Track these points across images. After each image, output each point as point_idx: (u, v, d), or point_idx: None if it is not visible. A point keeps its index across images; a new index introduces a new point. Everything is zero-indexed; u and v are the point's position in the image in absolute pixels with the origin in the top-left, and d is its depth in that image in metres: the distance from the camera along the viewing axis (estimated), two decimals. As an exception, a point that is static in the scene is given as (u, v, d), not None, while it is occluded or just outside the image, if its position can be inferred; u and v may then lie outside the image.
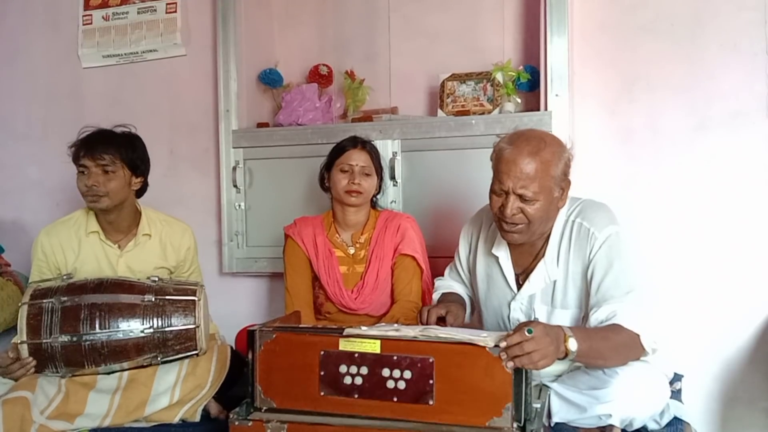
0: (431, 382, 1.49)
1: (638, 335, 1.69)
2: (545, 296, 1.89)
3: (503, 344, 1.46)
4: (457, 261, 2.13)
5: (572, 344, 1.55)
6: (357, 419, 1.54)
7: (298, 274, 2.35)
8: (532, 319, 1.89)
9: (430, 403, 1.49)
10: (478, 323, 2.09)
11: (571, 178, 1.83)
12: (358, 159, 2.28)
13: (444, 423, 1.49)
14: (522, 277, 1.92)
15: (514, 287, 1.93)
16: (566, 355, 1.55)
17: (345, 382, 1.55)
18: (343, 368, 1.55)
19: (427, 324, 1.80)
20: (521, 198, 1.75)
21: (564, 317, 1.87)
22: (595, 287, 1.78)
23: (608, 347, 1.65)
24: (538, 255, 1.89)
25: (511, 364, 1.45)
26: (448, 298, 2.06)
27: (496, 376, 1.45)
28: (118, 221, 2.23)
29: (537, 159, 1.73)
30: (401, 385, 1.51)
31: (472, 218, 2.12)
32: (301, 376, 1.58)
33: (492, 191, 1.82)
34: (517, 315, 1.92)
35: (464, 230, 2.11)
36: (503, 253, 1.94)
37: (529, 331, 1.47)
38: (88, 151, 2.13)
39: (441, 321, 1.84)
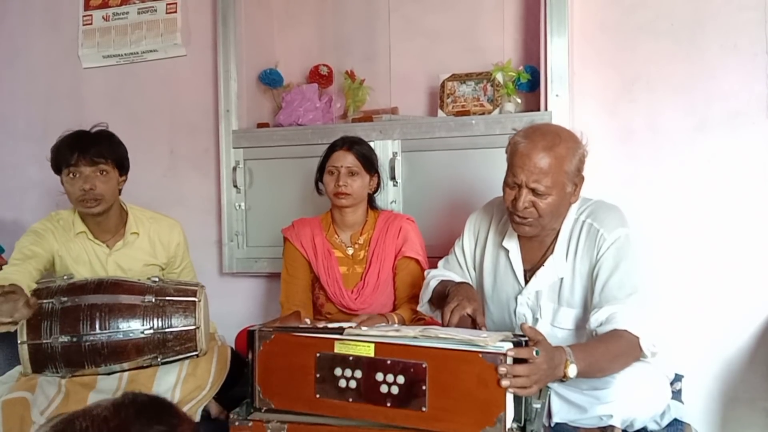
0: (424, 387, 1.47)
1: (638, 338, 1.68)
2: (552, 293, 1.88)
3: (511, 353, 1.43)
4: (458, 251, 2.09)
5: (572, 371, 1.52)
6: (357, 421, 1.53)
7: (294, 279, 2.35)
8: (538, 316, 1.89)
9: (423, 409, 1.47)
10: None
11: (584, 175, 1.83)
12: (343, 160, 2.26)
13: (437, 431, 1.46)
14: (530, 273, 1.92)
15: (522, 281, 1.92)
16: (563, 378, 1.53)
17: (340, 385, 1.53)
18: (338, 371, 1.54)
19: (447, 325, 1.76)
20: (534, 192, 1.75)
21: (569, 316, 1.86)
22: (599, 288, 1.78)
23: (607, 360, 1.64)
24: (547, 252, 1.89)
25: (506, 383, 1.40)
26: (459, 286, 1.92)
27: (490, 385, 1.42)
28: (107, 222, 2.23)
29: (551, 154, 1.73)
30: (394, 389, 1.49)
31: (480, 210, 2.09)
32: (298, 378, 1.57)
33: (505, 184, 1.81)
34: (524, 310, 1.91)
35: (471, 221, 2.08)
36: (513, 247, 1.93)
37: (537, 353, 1.44)
38: (83, 153, 2.10)
39: (473, 322, 1.78)
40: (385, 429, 1.51)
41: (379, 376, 1.50)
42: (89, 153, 2.11)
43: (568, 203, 1.83)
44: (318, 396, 1.56)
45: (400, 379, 1.49)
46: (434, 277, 2.07)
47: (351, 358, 1.53)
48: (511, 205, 1.79)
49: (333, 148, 2.31)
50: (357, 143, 2.31)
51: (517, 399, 1.47)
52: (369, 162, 2.31)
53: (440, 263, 2.15)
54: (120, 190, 2.26)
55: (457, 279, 2.04)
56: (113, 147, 2.19)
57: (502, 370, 1.41)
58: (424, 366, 1.48)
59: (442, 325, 1.77)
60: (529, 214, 1.77)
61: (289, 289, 2.35)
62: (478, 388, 1.43)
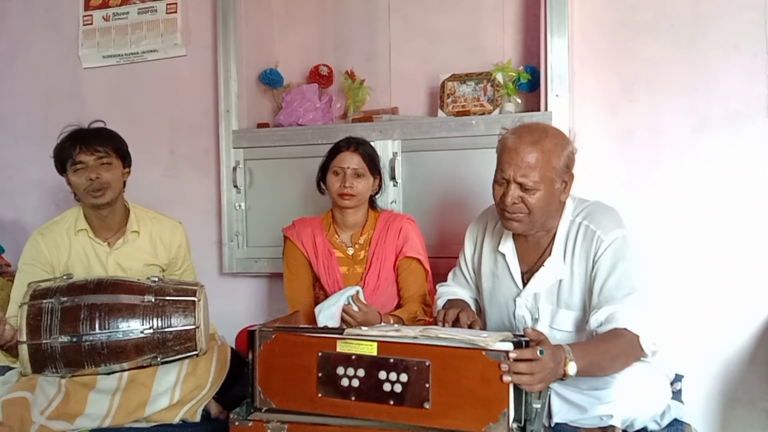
0: (427, 385, 1.48)
1: (637, 337, 1.69)
2: (550, 295, 1.89)
3: (513, 355, 1.44)
4: (462, 263, 2.12)
5: (571, 368, 1.53)
6: (357, 420, 1.54)
7: (297, 277, 2.35)
8: (536, 317, 1.90)
9: (426, 407, 1.48)
10: (482, 324, 2.08)
11: (574, 173, 1.84)
12: (349, 161, 2.26)
13: (440, 428, 1.48)
14: (527, 275, 1.93)
15: (520, 284, 1.93)
16: (563, 376, 1.54)
17: (342, 384, 1.54)
18: (340, 370, 1.55)
19: (444, 325, 1.78)
20: (522, 187, 1.76)
21: (568, 318, 1.87)
22: (597, 289, 1.78)
23: (608, 359, 1.65)
24: (544, 253, 1.90)
25: (508, 378, 1.43)
26: (455, 303, 2.02)
27: (493, 382, 1.44)
28: (111, 218, 2.24)
29: (538, 148, 1.75)
30: (397, 388, 1.50)
31: (476, 219, 2.12)
32: (300, 377, 1.58)
33: (495, 181, 1.83)
34: (522, 312, 1.92)
35: (469, 231, 2.11)
36: (509, 250, 1.94)
37: (541, 352, 1.46)
38: (85, 145, 2.14)
39: (456, 322, 1.82)
40: (386, 429, 1.52)
41: (382, 375, 1.51)
42: (90, 143, 2.14)
43: (558, 201, 1.84)
44: (320, 395, 1.56)
45: (403, 378, 1.50)
46: (441, 296, 2.11)
47: (353, 356, 1.54)
48: (500, 201, 1.81)
49: (338, 148, 2.30)
50: (362, 144, 2.32)
51: (518, 399, 1.48)
52: (374, 163, 2.32)
53: (449, 275, 2.18)
54: (124, 184, 2.28)
55: (464, 296, 2.09)
56: (113, 138, 2.22)
57: (504, 367, 1.42)
58: (427, 364, 1.48)
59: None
60: (518, 209, 1.78)
61: (293, 286, 2.36)
62: (482, 385, 1.45)
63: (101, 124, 2.26)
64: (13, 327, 1.93)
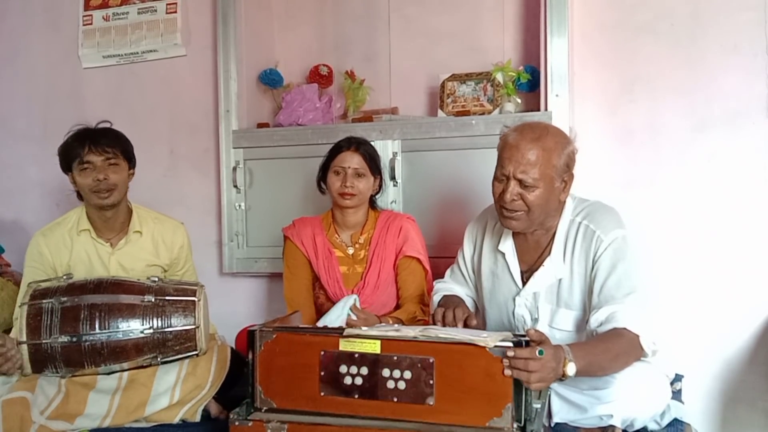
0: (431, 382, 1.50)
1: (637, 336, 1.69)
2: (550, 295, 1.89)
3: (510, 353, 1.45)
4: (461, 261, 2.12)
5: (570, 369, 1.53)
6: (357, 419, 1.54)
7: (296, 277, 2.35)
8: (536, 317, 1.90)
9: (430, 403, 1.50)
10: (481, 323, 2.08)
11: (574, 173, 1.84)
12: (350, 161, 2.27)
13: (444, 423, 1.49)
14: (527, 274, 1.93)
15: (520, 283, 1.93)
16: (563, 377, 1.54)
17: (345, 382, 1.55)
18: (343, 368, 1.55)
19: (444, 325, 1.79)
20: (521, 183, 1.76)
21: (568, 318, 1.87)
22: (597, 289, 1.78)
23: (607, 359, 1.65)
24: (544, 253, 1.90)
25: (509, 372, 1.45)
26: (450, 299, 2.03)
27: (496, 377, 1.46)
28: (115, 218, 2.24)
29: (539, 145, 1.75)
30: (401, 385, 1.51)
31: (476, 218, 2.12)
32: (302, 377, 1.58)
33: (494, 178, 1.84)
34: (522, 311, 1.92)
35: (468, 230, 2.11)
36: (509, 249, 1.94)
37: (540, 352, 1.46)
38: (94, 145, 2.14)
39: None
40: (388, 429, 1.52)
41: (386, 372, 1.52)
42: (100, 144, 2.14)
43: (557, 200, 1.84)
44: (322, 394, 1.57)
45: (407, 375, 1.51)
46: (438, 292, 2.12)
47: (356, 355, 1.55)
48: (499, 197, 1.81)
49: (339, 148, 2.30)
50: (363, 144, 2.32)
51: (518, 399, 1.48)
52: (374, 163, 2.32)
53: (447, 273, 2.18)
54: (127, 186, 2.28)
55: (461, 293, 2.09)
56: (120, 139, 2.22)
57: (505, 362, 1.44)
58: (431, 361, 1.50)
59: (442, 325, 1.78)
60: (518, 207, 1.79)
61: (292, 287, 2.36)
62: (485, 381, 1.46)
63: (108, 125, 2.26)
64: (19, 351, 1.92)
